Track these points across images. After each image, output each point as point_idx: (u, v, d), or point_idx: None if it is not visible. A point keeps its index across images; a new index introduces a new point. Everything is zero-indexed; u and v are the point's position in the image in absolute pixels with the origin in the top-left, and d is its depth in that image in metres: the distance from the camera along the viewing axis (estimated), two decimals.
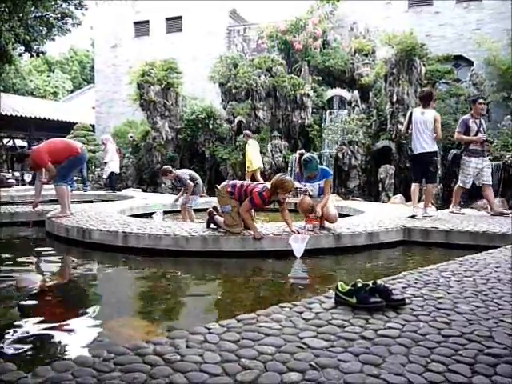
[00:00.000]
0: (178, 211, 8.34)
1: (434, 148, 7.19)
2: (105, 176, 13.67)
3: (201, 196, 8.72)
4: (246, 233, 5.53)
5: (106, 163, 13.34)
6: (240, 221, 5.55)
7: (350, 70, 16.14)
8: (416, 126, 7.17)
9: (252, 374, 1.85)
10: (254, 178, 11.92)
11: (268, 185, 5.49)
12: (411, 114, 7.36)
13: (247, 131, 13.15)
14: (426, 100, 7.27)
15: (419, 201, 7.81)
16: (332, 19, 17.72)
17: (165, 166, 8.40)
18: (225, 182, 5.88)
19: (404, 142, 12.91)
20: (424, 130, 7.09)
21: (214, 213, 5.85)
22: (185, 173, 7.95)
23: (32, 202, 7.58)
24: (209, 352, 2.05)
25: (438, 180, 7.58)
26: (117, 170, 13.53)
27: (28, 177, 17.77)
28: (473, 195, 11.72)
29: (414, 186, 7.44)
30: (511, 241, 5.24)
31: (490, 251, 4.56)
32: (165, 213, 8.71)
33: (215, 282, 4.69)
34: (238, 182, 5.76)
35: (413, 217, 7.01)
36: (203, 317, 3.46)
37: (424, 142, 7.10)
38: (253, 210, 5.86)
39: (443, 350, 2.08)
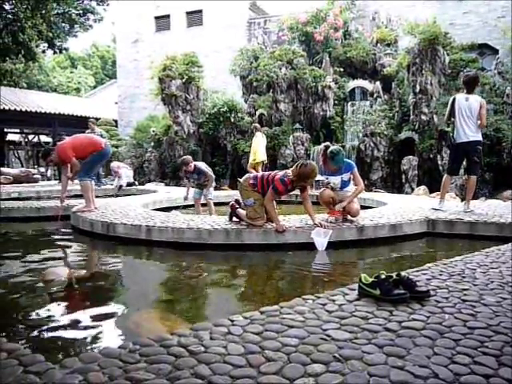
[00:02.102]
0: (192, 205, 8.34)
1: (479, 136, 6.72)
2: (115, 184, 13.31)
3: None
4: (269, 226, 5.53)
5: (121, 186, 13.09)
6: (263, 214, 5.55)
7: (371, 60, 15.96)
8: (460, 113, 6.68)
9: (276, 365, 1.86)
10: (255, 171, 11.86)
11: (289, 171, 5.43)
12: (454, 100, 6.85)
13: (256, 124, 13.04)
14: (470, 85, 6.81)
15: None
16: (353, 9, 17.55)
17: (186, 156, 8.22)
18: (247, 175, 5.88)
19: (427, 131, 12.76)
20: (469, 116, 6.62)
21: (237, 206, 5.86)
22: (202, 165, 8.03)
23: (58, 197, 7.70)
24: (232, 344, 2.07)
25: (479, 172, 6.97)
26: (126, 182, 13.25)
27: (49, 172, 17.95)
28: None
29: (447, 178, 7.03)
30: None
31: None
32: (185, 207, 8.74)
33: (238, 274, 4.70)
34: (259, 174, 5.77)
35: (437, 210, 6.76)
36: (227, 309, 3.48)
37: (469, 130, 6.63)
38: (275, 203, 5.85)
39: (469, 342, 2.06)
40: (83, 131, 12.72)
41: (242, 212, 5.74)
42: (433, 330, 2.20)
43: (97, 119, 21.82)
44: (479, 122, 6.66)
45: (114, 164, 14.01)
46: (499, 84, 13.27)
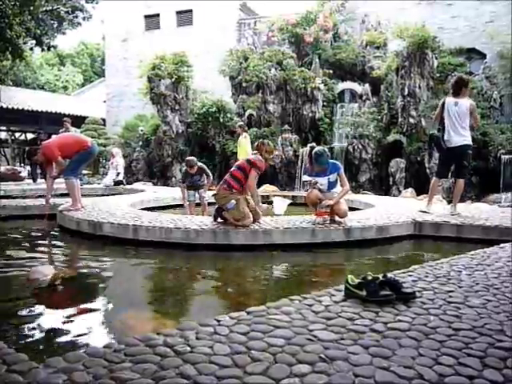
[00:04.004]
0: (181, 205, 8.24)
1: (469, 140, 6.70)
2: (110, 181, 13.33)
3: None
4: (256, 226, 5.54)
5: (118, 173, 13.24)
6: (247, 211, 5.63)
7: (361, 63, 16.02)
8: (449, 118, 6.66)
9: (262, 365, 1.86)
10: None
11: (252, 155, 5.98)
12: (443, 103, 6.84)
13: (242, 123, 13.07)
14: (456, 87, 6.78)
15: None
16: (343, 12, 17.59)
17: (191, 158, 8.01)
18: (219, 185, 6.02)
19: (415, 134, 12.84)
20: (458, 121, 6.60)
21: (222, 209, 5.86)
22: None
23: (44, 196, 7.64)
24: (219, 344, 2.07)
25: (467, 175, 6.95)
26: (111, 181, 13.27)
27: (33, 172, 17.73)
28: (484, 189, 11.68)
29: (435, 181, 7.04)
30: None
31: (502, 245, 4.53)
32: (174, 206, 8.70)
33: (225, 274, 4.69)
34: (228, 176, 5.89)
35: (424, 212, 6.77)
36: (213, 309, 3.47)
37: (459, 135, 6.61)
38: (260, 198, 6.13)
39: (453, 344, 2.08)
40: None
41: (228, 216, 5.78)
42: (418, 331, 2.21)
43: (85, 118, 21.72)
44: (472, 123, 6.67)
45: (115, 149, 14.07)
46: (486, 88, 13.39)
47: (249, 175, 5.73)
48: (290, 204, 8.52)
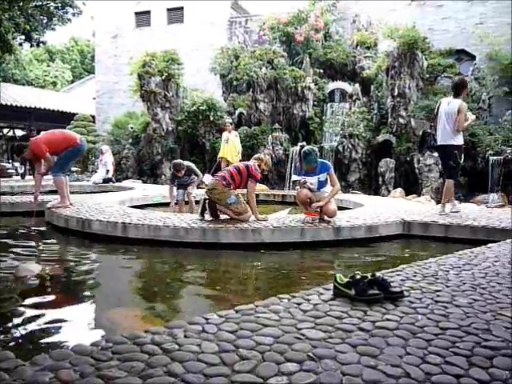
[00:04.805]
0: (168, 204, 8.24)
1: (457, 141, 6.68)
2: (99, 178, 13.24)
3: None
4: (246, 225, 5.53)
5: (108, 171, 13.18)
6: (247, 206, 5.83)
7: (351, 62, 16.05)
8: (440, 117, 6.77)
9: (250, 364, 1.86)
10: (219, 167, 11.92)
11: (251, 163, 6.06)
12: (440, 103, 6.94)
13: (230, 120, 13.10)
14: (455, 89, 6.81)
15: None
16: (334, 11, 17.60)
17: (178, 161, 7.97)
18: (212, 180, 6.06)
19: (405, 134, 12.90)
20: (447, 120, 6.66)
21: (221, 203, 5.91)
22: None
23: (33, 193, 7.58)
24: (207, 342, 2.06)
25: (457, 176, 6.96)
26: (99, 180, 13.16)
27: (21, 169, 17.59)
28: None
29: (447, 182, 7.01)
30: (510, 235, 5.24)
31: (489, 245, 4.57)
32: (164, 205, 8.67)
33: (214, 273, 4.69)
34: (226, 173, 5.95)
35: (445, 214, 6.69)
36: (202, 307, 3.47)
37: (445, 134, 6.69)
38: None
39: (440, 342, 2.09)
40: (60, 126, 12.55)
41: (225, 211, 5.89)
42: (405, 330, 2.22)
43: (74, 114, 21.56)
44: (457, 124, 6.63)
45: (104, 146, 13.99)
46: (475, 90, 13.48)
47: (248, 186, 5.90)
48: (280, 202, 8.53)
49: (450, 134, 6.67)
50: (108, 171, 13.06)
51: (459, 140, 6.73)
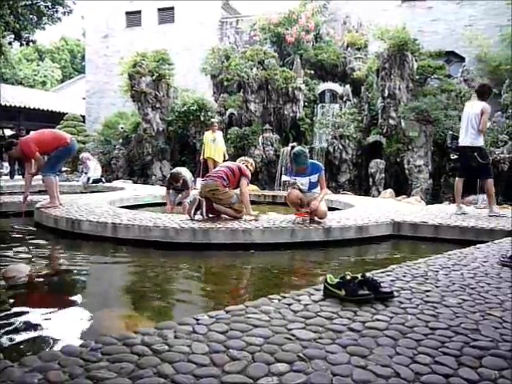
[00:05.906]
0: (160, 204, 8.25)
1: (478, 143, 6.84)
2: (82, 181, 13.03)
3: None
4: (236, 225, 5.53)
5: (89, 178, 12.88)
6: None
7: (342, 64, 16.09)
8: (464, 119, 6.99)
9: (240, 364, 1.85)
10: (207, 166, 12.00)
11: (241, 164, 6.32)
12: (465, 106, 7.22)
13: (217, 120, 13.12)
14: (480, 93, 7.03)
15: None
16: (325, 13, 17.64)
17: (176, 172, 8.04)
18: (209, 181, 6.01)
19: (395, 135, 12.95)
20: (469, 123, 6.81)
21: (226, 203, 6.00)
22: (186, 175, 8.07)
23: (23, 193, 7.52)
24: (197, 342, 2.05)
25: (491, 174, 6.91)
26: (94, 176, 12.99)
27: (6, 168, 17.42)
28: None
29: (457, 181, 7.20)
30: (499, 236, 5.28)
31: (478, 246, 4.60)
32: (154, 205, 8.65)
33: (204, 273, 4.68)
34: (221, 173, 6.03)
35: (462, 214, 6.88)
36: (192, 308, 3.46)
37: (467, 136, 6.85)
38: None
39: (430, 343, 2.10)
40: (49, 126, 12.46)
41: (225, 210, 6.01)
42: (395, 331, 2.23)
43: (64, 114, 21.44)
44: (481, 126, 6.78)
45: (85, 154, 13.80)
46: (465, 91, 13.54)
47: (241, 184, 6.07)
48: (271, 203, 8.53)
49: (470, 136, 6.83)
50: (89, 179, 12.67)
51: (480, 141, 6.90)
